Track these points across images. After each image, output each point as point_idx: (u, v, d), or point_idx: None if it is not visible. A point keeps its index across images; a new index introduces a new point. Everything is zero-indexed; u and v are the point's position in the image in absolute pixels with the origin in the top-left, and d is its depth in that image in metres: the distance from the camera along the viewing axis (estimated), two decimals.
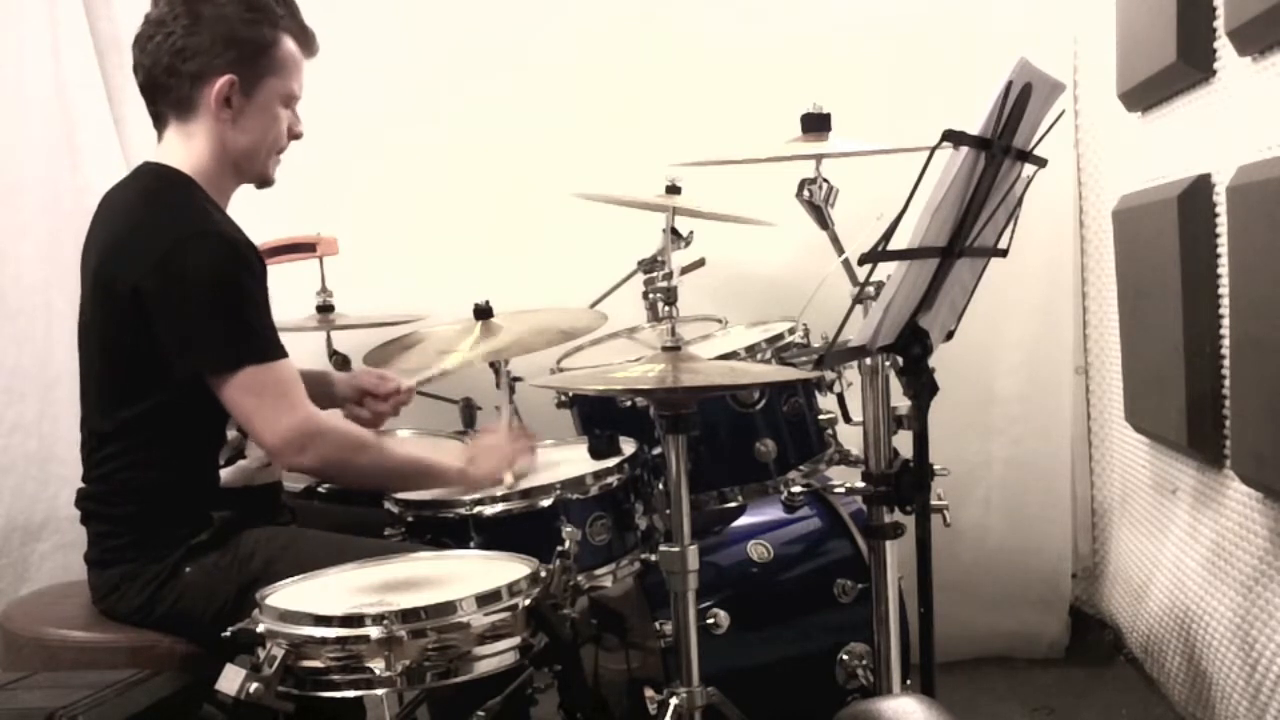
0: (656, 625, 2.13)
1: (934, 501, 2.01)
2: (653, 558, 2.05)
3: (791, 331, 2.34)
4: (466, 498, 1.98)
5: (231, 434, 1.98)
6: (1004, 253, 1.97)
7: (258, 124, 1.96)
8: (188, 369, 1.82)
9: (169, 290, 1.79)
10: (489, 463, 2.05)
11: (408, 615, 1.51)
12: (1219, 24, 2.22)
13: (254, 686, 1.48)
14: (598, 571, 2.01)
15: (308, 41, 2.02)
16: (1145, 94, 2.62)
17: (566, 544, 1.82)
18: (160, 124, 1.97)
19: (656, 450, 2.15)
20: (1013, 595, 3.15)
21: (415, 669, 1.50)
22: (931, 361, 1.90)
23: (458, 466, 2.03)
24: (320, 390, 2.22)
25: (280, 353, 1.86)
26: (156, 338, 1.81)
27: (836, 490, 2.33)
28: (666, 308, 1.97)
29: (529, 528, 1.95)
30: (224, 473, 1.98)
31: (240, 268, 1.83)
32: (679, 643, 1.90)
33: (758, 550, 2.30)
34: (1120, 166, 2.88)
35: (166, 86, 1.92)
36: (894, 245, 1.69)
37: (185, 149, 1.94)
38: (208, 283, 1.80)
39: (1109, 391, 3.03)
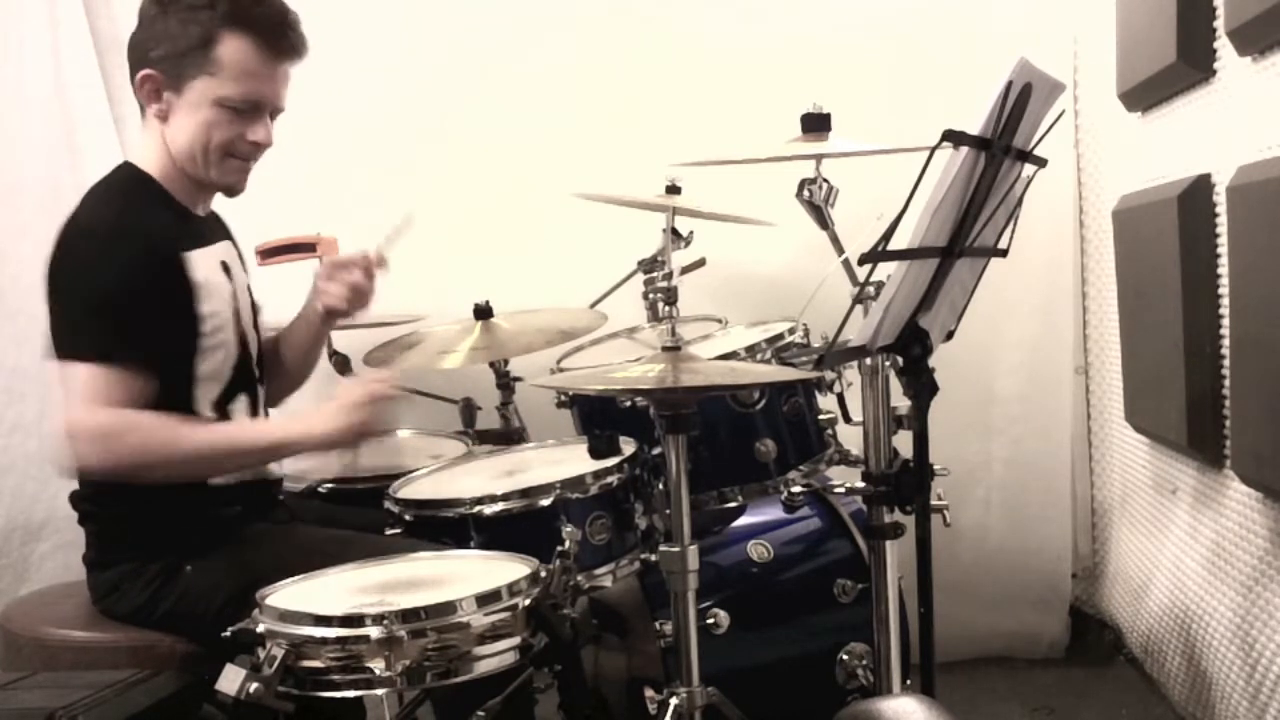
0: (656, 625, 2.13)
1: (934, 501, 2.01)
2: (653, 558, 2.05)
3: (791, 331, 2.34)
4: (466, 497, 1.98)
5: None
6: (1004, 253, 1.97)
7: (189, 123, 1.92)
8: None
9: (48, 277, 1.85)
10: (339, 417, 1.86)
11: (408, 615, 1.51)
12: (1219, 24, 2.22)
13: (254, 686, 1.48)
14: (598, 571, 2.00)
15: (274, 45, 1.92)
16: (1145, 94, 2.62)
17: (566, 544, 1.82)
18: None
19: (656, 450, 2.15)
20: (1013, 595, 3.15)
21: (415, 669, 1.50)
22: (931, 361, 1.89)
23: (297, 430, 1.88)
24: (302, 335, 2.21)
25: (119, 358, 1.79)
26: None
27: (836, 490, 2.32)
28: (666, 308, 1.97)
29: (529, 527, 1.95)
30: None
31: (108, 263, 1.83)
32: (679, 643, 1.90)
33: (758, 550, 2.30)
34: (1120, 166, 2.88)
35: (133, 82, 1.96)
36: (894, 245, 1.69)
37: (144, 145, 1.98)
38: (62, 271, 1.84)
39: (1109, 391, 3.03)
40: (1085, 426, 3.22)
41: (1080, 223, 3.14)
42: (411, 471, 2.23)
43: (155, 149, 1.96)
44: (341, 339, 2.84)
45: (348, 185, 2.98)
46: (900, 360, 1.89)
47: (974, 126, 1.66)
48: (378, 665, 1.49)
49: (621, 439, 2.13)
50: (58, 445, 1.82)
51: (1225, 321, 2.26)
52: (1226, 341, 2.25)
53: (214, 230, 2.08)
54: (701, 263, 2.62)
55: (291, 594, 1.66)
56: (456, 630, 1.53)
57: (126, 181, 1.95)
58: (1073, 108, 3.04)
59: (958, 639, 2.84)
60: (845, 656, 2.24)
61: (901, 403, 1.99)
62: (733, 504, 2.29)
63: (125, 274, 1.83)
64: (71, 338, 1.83)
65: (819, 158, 2.20)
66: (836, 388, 2.22)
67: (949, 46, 2.96)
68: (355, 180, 2.99)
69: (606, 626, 2.39)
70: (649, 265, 2.62)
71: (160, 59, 1.91)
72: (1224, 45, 2.21)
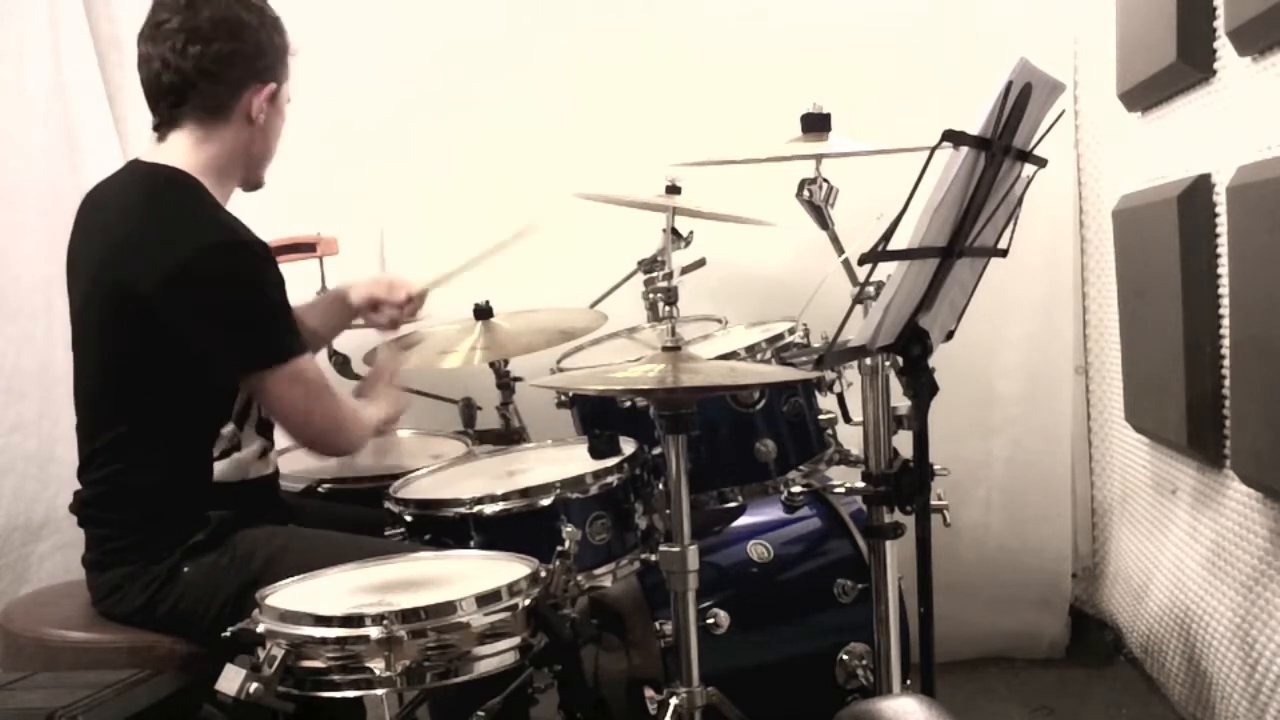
0: (656, 625, 2.13)
1: (934, 501, 2.01)
2: (653, 558, 2.05)
3: (791, 331, 2.34)
4: (466, 497, 1.98)
5: (227, 428, 1.98)
6: (1004, 253, 1.97)
7: (276, 127, 2.04)
8: (233, 370, 1.89)
9: (198, 299, 1.82)
10: (388, 397, 2.22)
11: (408, 615, 1.51)
12: (1219, 24, 2.22)
13: (254, 686, 1.48)
14: (598, 571, 2.00)
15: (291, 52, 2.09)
16: (1145, 94, 2.62)
17: (566, 544, 1.82)
18: (171, 125, 1.96)
19: (656, 450, 2.15)
20: (1013, 595, 3.15)
21: (415, 669, 1.50)
22: (931, 361, 1.89)
23: (383, 413, 2.18)
24: (324, 320, 2.41)
25: (302, 347, 1.94)
26: (170, 342, 1.83)
27: (836, 490, 2.32)
28: (666, 308, 1.97)
29: (529, 527, 1.95)
30: (219, 465, 1.96)
31: (265, 268, 1.88)
32: (679, 643, 1.90)
33: (758, 550, 2.30)
34: (1120, 166, 2.88)
35: (201, 90, 1.93)
36: (894, 245, 1.69)
37: (196, 151, 1.94)
38: (239, 289, 1.85)
39: (1109, 391, 3.03)
40: (1085, 426, 3.22)
41: (1080, 223, 3.14)
42: (411, 471, 2.23)
43: (213, 153, 1.95)
44: (342, 339, 2.84)
45: (348, 185, 2.98)
46: (900, 360, 1.89)
47: (974, 126, 1.66)
48: (378, 665, 1.49)
49: (621, 439, 2.13)
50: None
51: (1225, 321, 2.26)
52: (1226, 341, 2.25)
53: None
54: (701, 263, 2.61)
55: (291, 594, 1.66)
56: (456, 630, 1.53)
57: (193, 187, 1.93)
58: (1073, 108, 3.04)
59: (958, 639, 2.84)
60: (845, 656, 2.24)
61: (901, 403, 1.98)
62: (733, 504, 2.29)
63: (276, 273, 1.92)
64: (264, 349, 1.88)
65: (819, 158, 2.20)
66: (836, 388, 2.22)
67: (949, 46, 2.96)
68: (355, 180, 2.99)
69: (606, 626, 2.38)
70: (649, 265, 2.62)
71: (266, 70, 1.97)
72: (1224, 45, 2.21)
